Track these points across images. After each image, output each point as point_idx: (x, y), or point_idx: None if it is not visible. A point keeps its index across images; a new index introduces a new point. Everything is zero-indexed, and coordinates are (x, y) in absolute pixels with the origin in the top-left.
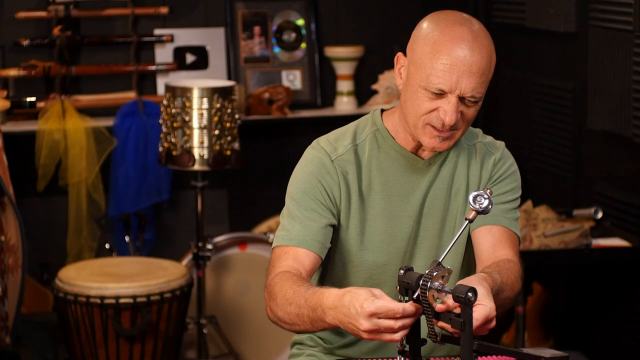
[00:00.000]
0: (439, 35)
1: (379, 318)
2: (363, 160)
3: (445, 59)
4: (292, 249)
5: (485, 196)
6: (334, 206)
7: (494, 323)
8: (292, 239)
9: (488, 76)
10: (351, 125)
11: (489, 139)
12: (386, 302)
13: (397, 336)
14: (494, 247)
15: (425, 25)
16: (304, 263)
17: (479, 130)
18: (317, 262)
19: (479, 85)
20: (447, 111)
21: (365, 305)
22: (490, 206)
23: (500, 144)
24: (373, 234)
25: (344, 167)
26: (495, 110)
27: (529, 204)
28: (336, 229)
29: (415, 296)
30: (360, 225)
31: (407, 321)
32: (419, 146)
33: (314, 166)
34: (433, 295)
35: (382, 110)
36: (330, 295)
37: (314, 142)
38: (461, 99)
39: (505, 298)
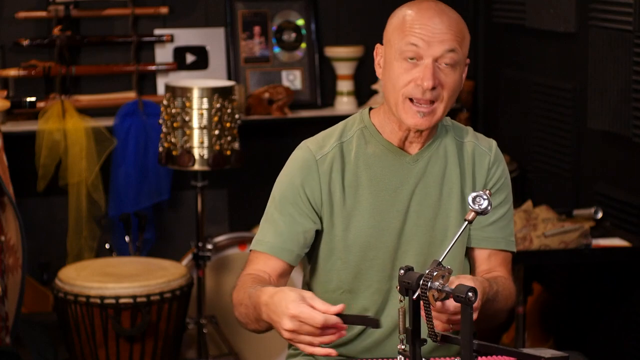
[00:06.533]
0: (407, 11)
1: (300, 322)
2: (350, 156)
3: (415, 27)
4: (263, 255)
5: (485, 197)
6: (314, 210)
7: (476, 315)
8: (264, 244)
9: (461, 42)
10: (339, 124)
11: (480, 136)
12: (309, 310)
13: (316, 344)
14: (490, 270)
15: (396, 11)
16: (274, 268)
17: (469, 128)
18: (287, 269)
19: (451, 46)
20: (425, 75)
21: (290, 306)
22: (489, 207)
23: (492, 142)
24: (361, 229)
25: (328, 165)
26: (496, 110)
27: (529, 204)
28: (321, 228)
29: (415, 296)
30: (346, 222)
31: (332, 337)
32: (405, 139)
33: (297, 168)
34: (433, 295)
35: (370, 109)
36: (266, 293)
37: (302, 143)
38: (436, 63)
39: (497, 309)
